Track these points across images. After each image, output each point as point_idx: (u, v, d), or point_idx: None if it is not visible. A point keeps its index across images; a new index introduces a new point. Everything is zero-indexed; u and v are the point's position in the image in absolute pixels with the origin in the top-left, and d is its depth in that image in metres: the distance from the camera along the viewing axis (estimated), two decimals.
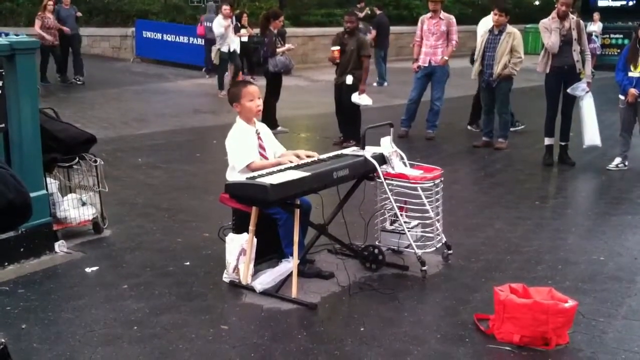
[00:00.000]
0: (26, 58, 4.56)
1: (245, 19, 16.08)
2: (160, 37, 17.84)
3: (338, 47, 8.57)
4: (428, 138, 9.34)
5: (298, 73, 14.69)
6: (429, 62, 9.20)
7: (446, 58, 9.18)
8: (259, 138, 4.52)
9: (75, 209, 5.12)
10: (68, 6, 14.44)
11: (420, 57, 9.28)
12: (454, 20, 9.33)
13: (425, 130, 9.43)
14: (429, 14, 9.29)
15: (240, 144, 4.40)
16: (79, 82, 14.20)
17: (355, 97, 8.53)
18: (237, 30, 15.88)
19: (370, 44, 14.31)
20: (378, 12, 15.95)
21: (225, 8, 13.55)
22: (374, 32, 15.16)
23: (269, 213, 4.30)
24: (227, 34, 13.37)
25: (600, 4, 20.12)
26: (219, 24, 13.26)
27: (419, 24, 9.41)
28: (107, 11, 19.41)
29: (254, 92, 4.52)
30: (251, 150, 4.41)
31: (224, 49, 13.31)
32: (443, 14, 9.25)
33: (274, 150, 4.57)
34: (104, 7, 19.18)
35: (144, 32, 17.98)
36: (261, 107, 4.59)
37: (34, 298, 4.07)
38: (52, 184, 5.06)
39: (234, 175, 4.36)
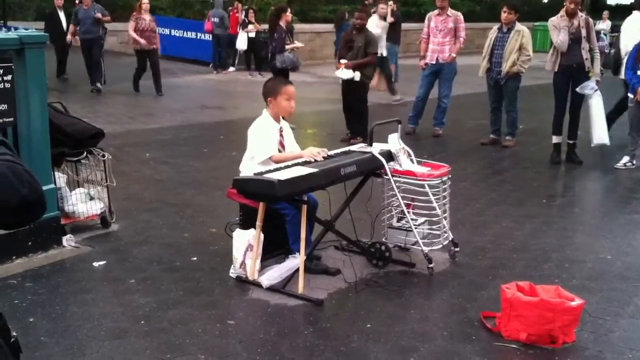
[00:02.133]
0: (35, 52, 4.57)
1: (252, 15, 16.10)
2: (168, 33, 17.85)
3: (345, 61, 8.49)
4: (435, 135, 9.33)
5: (305, 69, 14.66)
6: (437, 59, 9.18)
7: (454, 55, 9.16)
8: (281, 135, 4.55)
9: (83, 203, 5.14)
10: (88, 7, 12.68)
11: (427, 54, 9.27)
12: (461, 17, 9.30)
13: (433, 127, 9.42)
14: (437, 11, 9.26)
15: (263, 136, 4.44)
16: (94, 90, 12.60)
17: (338, 72, 8.53)
18: (244, 26, 15.91)
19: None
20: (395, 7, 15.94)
21: (383, 7, 11.85)
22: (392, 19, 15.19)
23: (277, 209, 4.31)
24: (382, 35, 11.50)
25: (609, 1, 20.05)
26: (374, 25, 11.18)
27: (426, 20, 9.39)
28: (114, 6, 19.43)
29: (293, 92, 4.53)
30: (272, 145, 4.45)
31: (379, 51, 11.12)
32: (451, 11, 9.23)
33: (291, 150, 4.59)
34: (111, 2, 19.19)
35: None
36: (294, 109, 4.59)
37: (41, 292, 4.09)
38: (61, 178, 5.08)
39: (250, 165, 4.39)
